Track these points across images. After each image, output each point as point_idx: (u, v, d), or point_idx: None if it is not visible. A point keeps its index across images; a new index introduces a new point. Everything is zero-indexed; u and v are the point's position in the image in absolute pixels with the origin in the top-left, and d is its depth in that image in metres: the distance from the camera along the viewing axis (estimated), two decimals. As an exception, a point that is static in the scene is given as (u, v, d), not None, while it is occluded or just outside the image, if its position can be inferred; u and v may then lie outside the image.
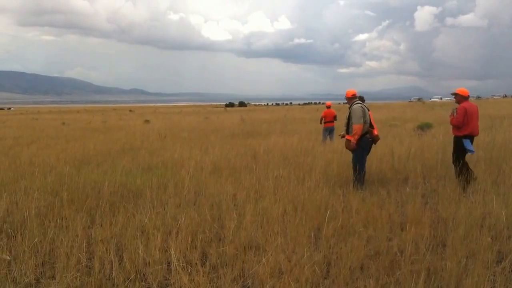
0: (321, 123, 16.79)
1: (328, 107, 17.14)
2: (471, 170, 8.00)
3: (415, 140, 14.34)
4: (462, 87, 8.25)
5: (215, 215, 6.10)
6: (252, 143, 15.49)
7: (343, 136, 8.69)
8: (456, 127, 8.03)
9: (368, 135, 8.03)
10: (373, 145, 8.31)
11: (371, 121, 8.13)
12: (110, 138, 19.31)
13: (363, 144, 7.99)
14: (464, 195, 7.06)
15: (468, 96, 8.15)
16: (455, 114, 8.06)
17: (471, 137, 7.99)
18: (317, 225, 5.64)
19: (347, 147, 8.21)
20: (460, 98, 8.09)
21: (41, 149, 15.27)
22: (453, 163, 8.22)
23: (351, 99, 8.39)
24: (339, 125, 13.55)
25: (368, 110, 8.19)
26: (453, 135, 8.22)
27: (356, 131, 7.88)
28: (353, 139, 7.90)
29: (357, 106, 8.09)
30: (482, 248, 4.72)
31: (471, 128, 7.93)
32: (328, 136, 16.26)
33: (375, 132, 8.14)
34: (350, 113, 8.15)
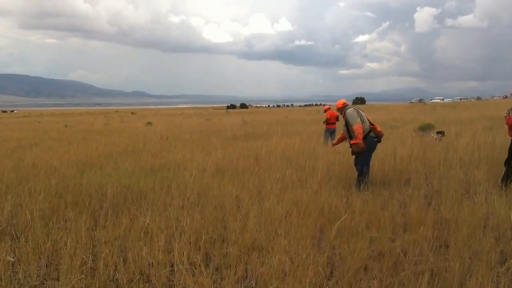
0: (326, 122, 16.77)
1: (328, 109, 17.13)
2: None
3: (416, 141, 14.34)
4: None
5: (218, 217, 6.11)
6: (254, 145, 15.50)
7: (334, 144, 9.44)
8: None
9: (372, 134, 8.00)
10: (379, 143, 8.28)
11: (369, 119, 8.14)
12: (112, 140, 19.35)
13: (369, 145, 7.96)
14: (466, 196, 7.08)
15: None
16: (511, 114, 7.71)
17: None
18: (320, 226, 5.64)
19: (356, 151, 7.98)
20: None
21: (44, 151, 15.31)
22: (505, 164, 7.86)
23: (342, 108, 8.43)
24: (341, 127, 13.57)
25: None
26: (511, 137, 7.84)
27: (357, 130, 7.82)
28: (358, 140, 7.82)
29: (349, 110, 8.13)
30: (485, 249, 4.72)
31: None
32: (329, 138, 16.26)
33: (378, 128, 8.12)
34: (345, 118, 8.17)
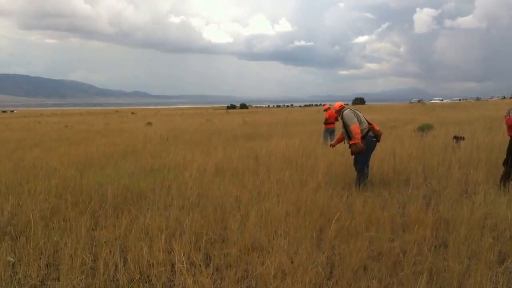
0: (325, 122, 16.82)
1: (328, 109, 17.16)
2: None
3: (415, 141, 14.36)
4: None
5: (218, 217, 6.13)
6: (254, 145, 15.53)
7: (333, 145, 9.39)
8: None
9: (371, 133, 8.06)
10: (378, 142, 8.34)
11: (367, 119, 8.21)
12: (113, 141, 19.36)
13: (367, 144, 8.02)
14: (465, 195, 7.13)
15: None
16: (510, 114, 7.73)
17: None
18: (320, 226, 5.67)
19: (355, 151, 8.03)
20: None
21: (44, 152, 15.32)
22: (503, 164, 7.90)
23: (340, 110, 8.54)
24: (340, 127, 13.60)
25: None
26: (509, 136, 7.85)
27: (355, 131, 7.90)
28: (356, 140, 7.87)
29: (346, 111, 8.24)
30: (484, 249, 4.75)
31: None
32: (329, 138, 16.29)
33: (376, 127, 8.18)
34: (343, 120, 8.25)
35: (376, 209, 6.26)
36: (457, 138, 12.92)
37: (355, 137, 7.88)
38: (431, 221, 5.70)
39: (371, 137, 8.07)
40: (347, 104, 8.98)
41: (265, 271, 4.29)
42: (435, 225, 5.66)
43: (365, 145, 7.94)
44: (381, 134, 8.25)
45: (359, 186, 7.81)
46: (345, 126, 8.16)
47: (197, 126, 32.07)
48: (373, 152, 8.43)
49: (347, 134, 8.19)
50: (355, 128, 7.89)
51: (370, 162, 8.45)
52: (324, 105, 20.64)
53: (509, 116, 7.75)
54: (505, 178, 7.61)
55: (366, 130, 8.02)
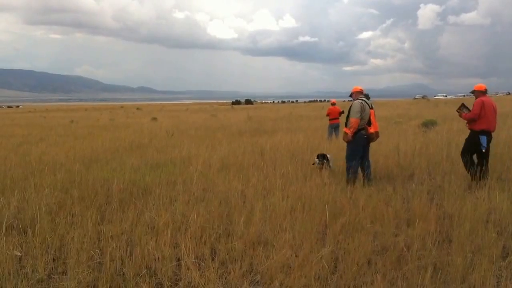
0: (329, 118, 16.90)
1: (333, 104, 17.24)
2: (485, 167, 8.02)
3: (420, 137, 14.35)
4: (479, 83, 8.36)
5: (223, 212, 6.16)
6: (259, 140, 15.55)
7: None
8: (472, 120, 8.08)
9: (363, 131, 8.15)
10: (372, 142, 8.45)
11: (371, 119, 8.20)
12: (118, 136, 19.40)
13: (357, 139, 8.15)
14: (468, 191, 7.15)
15: (485, 91, 8.22)
16: (464, 110, 8.26)
17: (487, 133, 8.03)
18: (325, 221, 5.68)
19: (343, 139, 8.47)
20: (478, 93, 8.21)
21: (50, 146, 15.40)
22: (461, 155, 8.32)
23: (357, 93, 8.54)
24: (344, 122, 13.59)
25: (371, 108, 8.27)
26: (469, 129, 8.27)
27: (352, 124, 8.10)
28: (349, 132, 8.13)
29: (357, 102, 8.25)
30: (487, 244, 4.77)
31: (488, 122, 7.97)
32: (333, 133, 16.33)
33: (370, 130, 8.17)
34: (350, 107, 8.34)
35: (380, 204, 6.27)
36: (321, 158, 9.57)
37: (349, 128, 8.14)
38: (435, 216, 5.72)
39: (362, 134, 8.19)
40: (364, 95, 8.87)
41: (270, 266, 4.32)
42: (439, 220, 5.68)
43: (353, 140, 8.13)
44: (373, 137, 8.28)
45: (349, 179, 7.91)
46: (349, 112, 8.34)
47: (202, 122, 32.11)
48: (377, 147, 8.44)
49: (347, 120, 8.42)
50: (353, 121, 8.10)
51: (375, 157, 8.47)
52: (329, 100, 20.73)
53: (463, 112, 8.28)
54: (479, 168, 7.89)
55: (361, 127, 8.13)
